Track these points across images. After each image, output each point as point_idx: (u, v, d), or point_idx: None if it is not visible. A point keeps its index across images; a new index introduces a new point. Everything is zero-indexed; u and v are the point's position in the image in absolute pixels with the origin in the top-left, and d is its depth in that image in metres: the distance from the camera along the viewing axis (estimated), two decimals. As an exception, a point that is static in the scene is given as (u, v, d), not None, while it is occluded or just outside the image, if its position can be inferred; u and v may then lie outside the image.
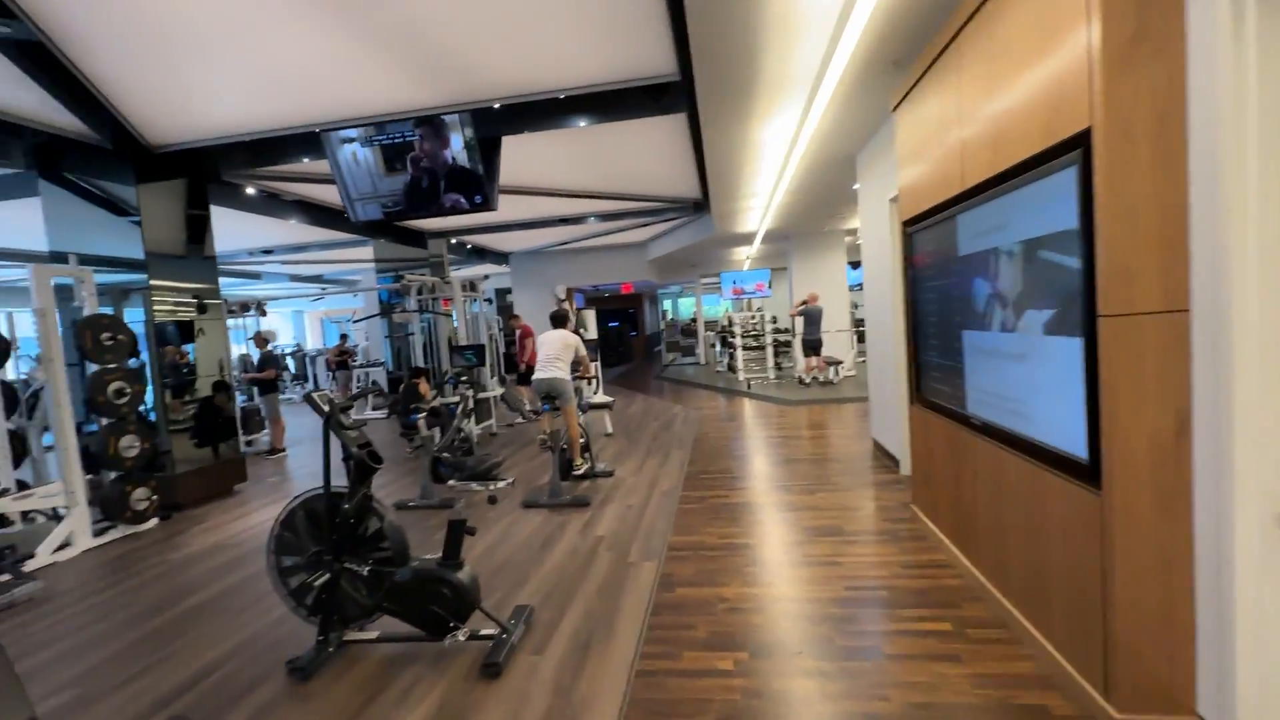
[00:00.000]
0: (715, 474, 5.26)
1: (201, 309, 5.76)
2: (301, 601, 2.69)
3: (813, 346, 9.91)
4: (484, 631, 2.61)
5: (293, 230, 9.47)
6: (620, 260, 13.83)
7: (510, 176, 7.25)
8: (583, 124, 5.10)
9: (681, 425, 7.64)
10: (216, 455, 5.77)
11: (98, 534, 4.56)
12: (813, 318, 9.88)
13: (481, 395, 7.14)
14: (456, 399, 5.50)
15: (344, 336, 14.34)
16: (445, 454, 5.04)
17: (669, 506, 4.42)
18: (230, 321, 8.76)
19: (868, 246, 5.56)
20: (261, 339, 7.73)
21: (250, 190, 6.91)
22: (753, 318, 13.92)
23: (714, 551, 3.56)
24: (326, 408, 2.61)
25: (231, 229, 8.94)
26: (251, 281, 14.70)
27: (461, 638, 2.51)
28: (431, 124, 4.68)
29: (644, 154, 6.79)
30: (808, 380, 9.98)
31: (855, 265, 13.23)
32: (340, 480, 2.61)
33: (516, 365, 8.06)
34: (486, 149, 4.90)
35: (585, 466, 5.13)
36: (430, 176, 4.82)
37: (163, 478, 5.21)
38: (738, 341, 11.61)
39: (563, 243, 12.68)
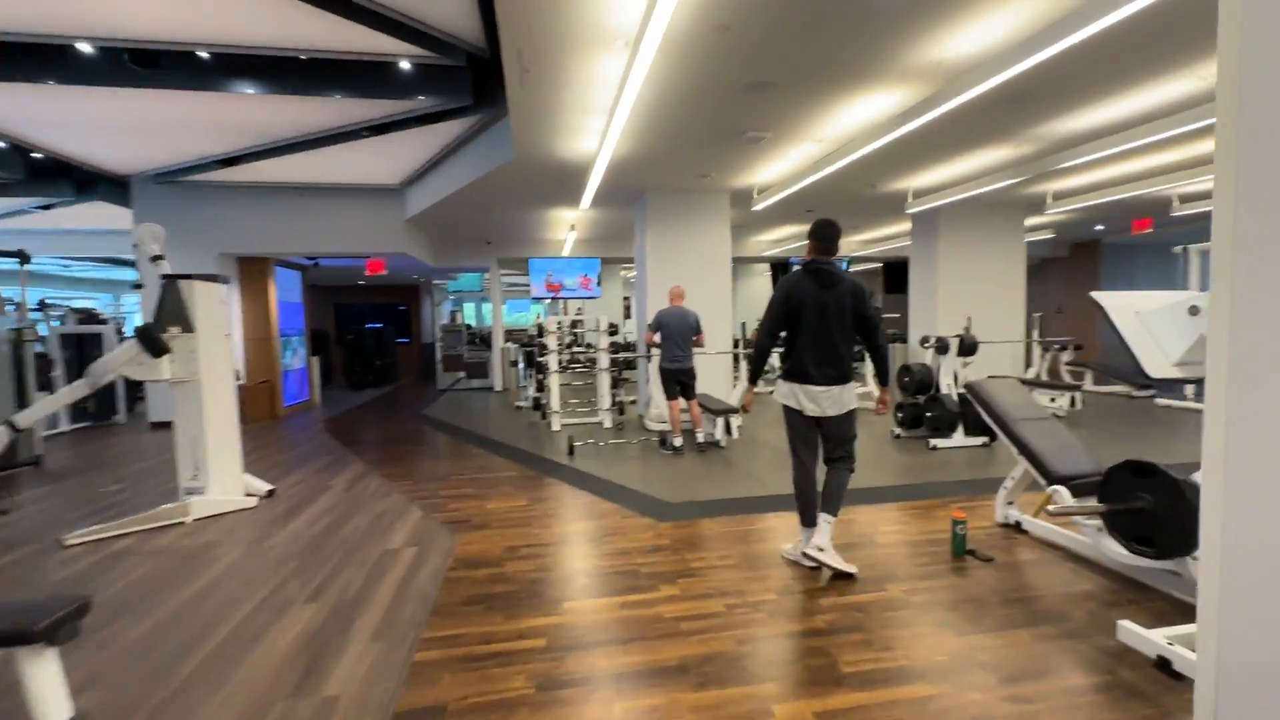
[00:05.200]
0: None
1: None
2: None
3: (680, 379, 5.43)
4: None
5: None
6: (361, 215, 8.14)
7: None
8: None
9: (384, 616, 2.58)
10: None
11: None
12: (674, 327, 5.42)
13: None
14: None
15: None
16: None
17: None
18: None
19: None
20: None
21: None
22: (574, 323, 9.24)
23: None
24: None
25: None
26: None
27: None
28: None
29: None
30: (677, 441, 5.45)
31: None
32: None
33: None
34: None
35: None
36: None
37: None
38: (550, 361, 6.80)
39: (235, 153, 6.61)
